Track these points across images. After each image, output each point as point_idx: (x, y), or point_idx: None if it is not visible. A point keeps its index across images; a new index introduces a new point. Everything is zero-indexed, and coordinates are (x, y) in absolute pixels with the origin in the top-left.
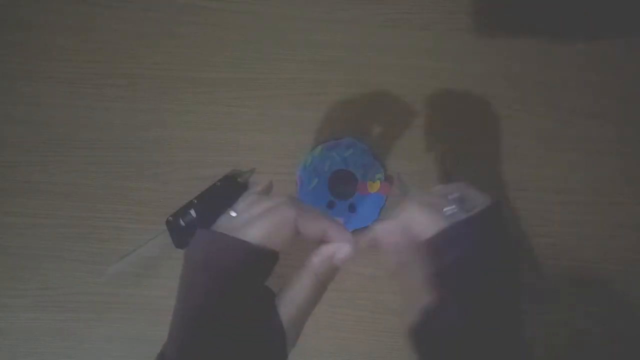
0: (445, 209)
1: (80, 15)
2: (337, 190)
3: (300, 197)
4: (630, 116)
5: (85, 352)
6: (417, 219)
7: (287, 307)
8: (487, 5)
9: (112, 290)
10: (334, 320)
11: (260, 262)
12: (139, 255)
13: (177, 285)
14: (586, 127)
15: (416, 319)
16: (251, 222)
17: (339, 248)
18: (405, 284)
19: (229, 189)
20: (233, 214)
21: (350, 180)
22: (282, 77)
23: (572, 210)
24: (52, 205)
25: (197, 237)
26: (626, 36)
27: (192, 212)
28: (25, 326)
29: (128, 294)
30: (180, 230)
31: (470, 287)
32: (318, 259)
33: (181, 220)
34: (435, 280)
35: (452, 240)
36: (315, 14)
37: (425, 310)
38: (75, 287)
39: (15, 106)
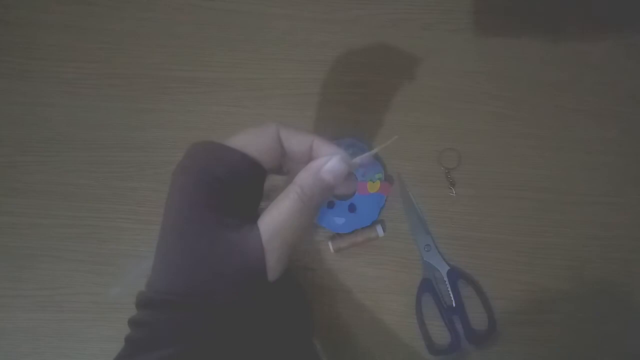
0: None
1: (80, 15)
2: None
3: None
4: (631, 116)
5: (85, 352)
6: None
7: (268, 223)
8: (487, 5)
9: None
10: (334, 321)
11: (240, 169)
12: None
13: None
14: (586, 127)
15: None
16: (233, 136)
17: (326, 160)
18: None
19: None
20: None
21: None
22: (282, 77)
23: (572, 210)
24: (52, 205)
25: (186, 150)
26: (626, 36)
27: None
28: (25, 326)
29: (128, 293)
30: None
31: None
32: (304, 173)
33: None
34: None
35: None
36: (315, 14)
37: None
38: (75, 287)
39: (15, 106)
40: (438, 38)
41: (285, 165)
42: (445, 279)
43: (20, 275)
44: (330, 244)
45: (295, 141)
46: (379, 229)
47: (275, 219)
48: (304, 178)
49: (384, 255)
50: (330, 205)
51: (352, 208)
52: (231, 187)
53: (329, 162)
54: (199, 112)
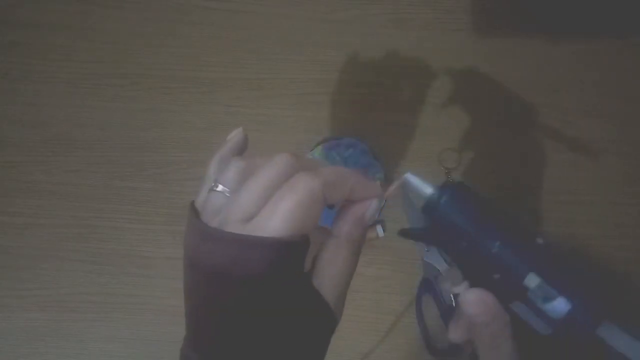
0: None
1: (80, 15)
2: None
3: None
4: (630, 116)
5: (85, 352)
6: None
7: (332, 289)
8: (487, 5)
9: (112, 290)
10: None
11: (285, 257)
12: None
13: (177, 285)
14: (586, 127)
15: None
16: (267, 207)
17: (367, 206)
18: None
19: None
20: (220, 188)
21: None
22: (282, 77)
23: (572, 210)
24: (52, 205)
25: (197, 238)
26: (626, 36)
27: None
28: (25, 326)
29: (128, 294)
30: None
31: None
32: (349, 225)
33: None
34: None
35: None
36: (315, 14)
37: None
38: (75, 287)
39: (15, 106)
40: (438, 38)
41: None
42: None
43: (20, 275)
44: None
45: (338, 195)
46: (379, 229)
47: (339, 285)
48: (352, 231)
49: (384, 255)
50: (330, 205)
51: None
52: (279, 278)
53: (370, 207)
54: (199, 112)
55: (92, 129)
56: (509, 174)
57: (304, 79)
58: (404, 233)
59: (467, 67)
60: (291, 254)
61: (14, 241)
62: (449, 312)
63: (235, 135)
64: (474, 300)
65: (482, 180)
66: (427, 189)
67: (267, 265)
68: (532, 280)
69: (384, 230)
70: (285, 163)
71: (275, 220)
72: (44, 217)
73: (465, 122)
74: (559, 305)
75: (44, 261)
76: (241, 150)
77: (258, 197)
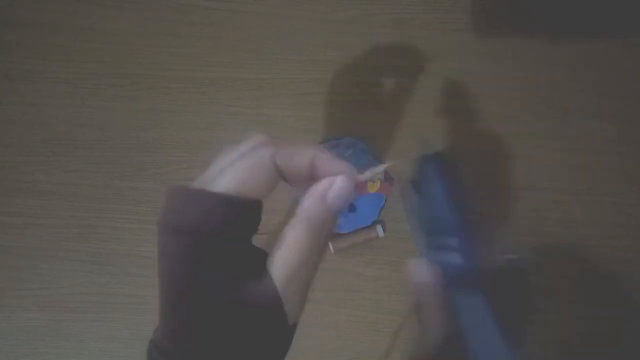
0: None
1: (80, 15)
2: None
3: None
4: (630, 116)
5: (85, 352)
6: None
7: (280, 267)
8: (487, 5)
9: (112, 290)
10: (334, 321)
11: (237, 214)
12: None
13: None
14: (586, 127)
15: (433, 354)
16: (221, 172)
17: (330, 183)
18: (426, 322)
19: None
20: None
21: None
22: (282, 77)
23: (572, 210)
24: (52, 205)
25: (165, 196)
26: (626, 36)
27: None
28: (25, 326)
29: (128, 294)
30: None
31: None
32: (308, 201)
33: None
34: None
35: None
36: (315, 14)
37: (442, 349)
38: (75, 287)
39: (15, 106)
40: (438, 38)
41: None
42: None
43: (20, 275)
44: (330, 244)
45: (294, 164)
46: (379, 229)
47: (288, 261)
48: (310, 207)
49: (384, 255)
50: (352, 207)
51: (352, 208)
52: (228, 235)
53: (335, 185)
54: (199, 112)
55: (92, 129)
56: (509, 173)
57: (304, 79)
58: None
59: (467, 67)
60: (235, 212)
61: (14, 241)
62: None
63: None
64: (423, 274)
65: (482, 180)
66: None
67: (209, 220)
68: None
69: (384, 230)
70: (256, 139)
71: (222, 180)
72: (44, 217)
73: (465, 122)
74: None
75: (44, 261)
76: None
77: (221, 166)
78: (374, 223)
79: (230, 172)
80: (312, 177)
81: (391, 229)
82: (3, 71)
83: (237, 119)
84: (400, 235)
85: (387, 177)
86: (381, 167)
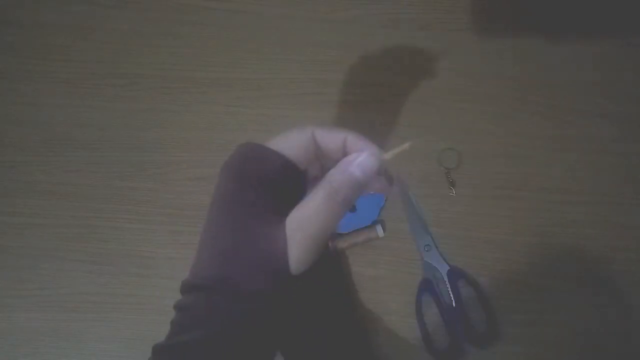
0: None
1: (80, 15)
2: None
3: None
4: (630, 116)
5: (84, 352)
6: None
7: (293, 218)
8: (487, 5)
9: (112, 290)
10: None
11: (276, 168)
12: None
13: (177, 285)
14: (586, 127)
15: None
16: (273, 138)
17: (357, 156)
18: None
19: None
20: None
21: None
22: (282, 77)
23: (572, 210)
24: (52, 205)
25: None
26: (626, 36)
27: None
28: (25, 326)
29: (128, 294)
30: None
31: None
32: (333, 170)
33: None
34: None
35: None
36: (315, 14)
37: None
38: (75, 287)
39: (15, 106)
40: (438, 38)
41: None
42: (445, 279)
43: (20, 275)
44: (330, 244)
45: (329, 139)
46: (379, 229)
47: (301, 213)
48: (333, 174)
49: (384, 255)
50: (352, 208)
51: (352, 208)
52: (267, 184)
53: (359, 157)
54: (199, 112)
55: (92, 129)
56: (508, 173)
57: (304, 79)
58: None
59: (467, 67)
60: (276, 164)
61: (14, 241)
62: (449, 312)
63: None
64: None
65: (482, 180)
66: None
67: (263, 171)
68: None
69: (384, 230)
70: (307, 125)
71: (275, 141)
72: (44, 217)
73: (465, 122)
74: None
75: (44, 261)
76: None
77: (282, 135)
78: (374, 223)
79: (279, 137)
80: (344, 155)
81: (391, 229)
82: (3, 71)
83: (237, 119)
84: (400, 235)
85: (387, 177)
86: (405, 146)
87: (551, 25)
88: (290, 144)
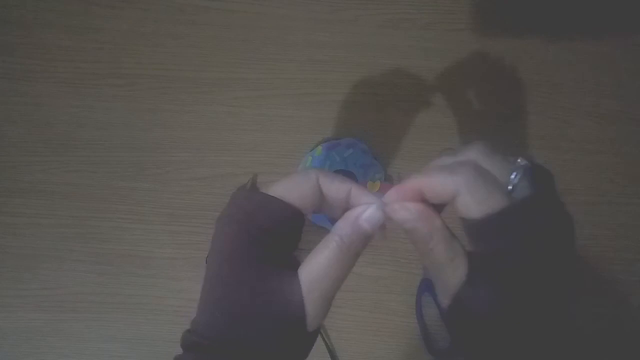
0: (509, 180)
1: (80, 15)
2: None
3: None
4: (630, 116)
5: (84, 352)
6: (469, 193)
7: (306, 273)
8: (487, 5)
9: (112, 290)
10: (335, 320)
11: (282, 218)
12: None
13: (177, 285)
14: (586, 127)
15: (448, 303)
16: (274, 183)
17: (364, 209)
18: (432, 260)
19: None
20: None
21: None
22: (282, 77)
23: (572, 210)
24: (52, 205)
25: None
26: (626, 36)
27: None
28: (25, 326)
29: (128, 294)
30: None
31: (514, 279)
32: (342, 222)
33: None
34: (474, 263)
35: (508, 227)
36: (315, 14)
37: (457, 296)
38: (75, 287)
39: (15, 106)
40: (438, 38)
41: (322, 209)
42: None
43: (21, 275)
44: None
45: (334, 189)
46: None
47: (315, 269)
48: (343, 227)
49: (384, 255)
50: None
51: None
52: (273, 236)
53: (367, 211)
54: (199, 112)
55: (92, 129)
56: None
57: (303, 79)
58: None
59: (467, 67)
60: (282, 213)
61: (14, 241)
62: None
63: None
64: (399, 208)
65: None
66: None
67: (270, 222)
68: None
69: None
70: (310, 171)
71: (274, 186)
72: (44, 217)
73: (465, 121)
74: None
75: (44, 261)
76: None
77: (285, 180)
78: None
79: (282, 183)
80: (347, 206)
81: (391, 229)
82: (3, 71)
83: (237, 119)
84: (400, 235)
85: (387, 177)
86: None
87: (551, 25)
88: (296, 192)
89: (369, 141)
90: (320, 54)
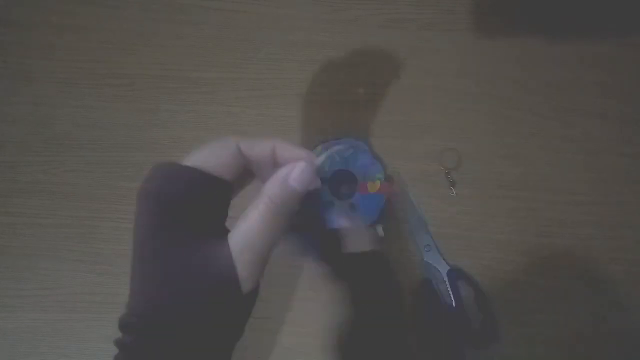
0: None
1: (80, 15)
2: (337, 191)
3: None
4: (631, 116)
5: (85, 352)
6: None
7: (236, 236)
8: (487, 5)
9: (111, 290)
10: (334, 320)
11: (199, 186)
12: None
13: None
14: (586, 127)
15: None
16: (191, 154)
17: (292, 167)
18: None
19: None
20: None
21: (350, 180)
22: (282, 77)
23: (572, 210)
24: (52, 205)
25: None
26: (626, 36)
27: None
28: (25, 326)
29: (128, 294)
30: None
31: None
32: (270, 183)
33: None
34: None
35: None
36: (315, 14)
37: None
38: (75, 287)
39: (15, 106)
40: (438, 38)
41: (256, 177)
42: (445, 279)
43: (21, 275)
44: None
45: (258, 150)
46: (379, 229)
47: (245, 232)
48: (271, 188)
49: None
50: (330, 205)
51: (352, 208)
52: (193, 205)
53: (295, 169)
54: (199, 112)
55: (92, 129)
56: (508, 173)
57: (304, 79)
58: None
59: (467, 67)
60: (194, 182)
61: (14, 241)
62: (449, 312)
63: None
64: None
65: (482, 180)
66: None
67: (186, 191)
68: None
69: (383, 231)
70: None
71: (190, 157)
72: (44, 217)
73: (465, 121)
74: None
75: (44, 261)
76: None
77: (202, 148)
78: (374, 223)
79: (197, 152)
80: (275, 164)
81: (391, 229)
82: (3, 71)
83: (237, 119)
84: (400, 235)
85: (387, 177)
86: (332, 150)
87: (551, 25)
88: (214, 159)
89: (369, 141)
90: (320, 54)
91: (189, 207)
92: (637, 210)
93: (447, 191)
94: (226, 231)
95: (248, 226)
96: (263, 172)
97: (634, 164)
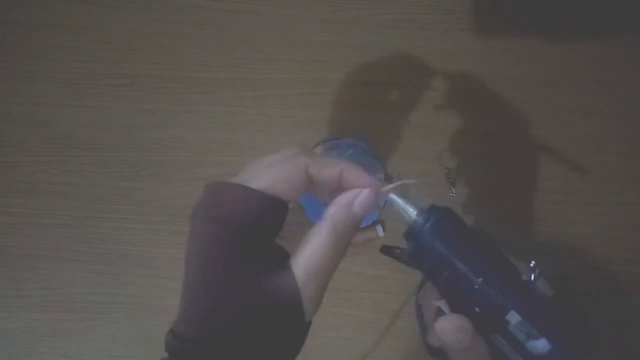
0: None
1: (80, 15)
2: None
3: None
4: (631, 116)
5: (85, 352)
6: None
7: (302, 266)
8: (487, 5)
9: (111, 290)
10: (335, 321)
11: (269, 211)
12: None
13: (177, 285)
14: (586, 127)
15: None
16: (258, 171)
17: (357, 193)
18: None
19: None
20: None
21: None
22: (282, 77)
23: (572, 210)
24: (52, 205)
25: (204, 190)
26: (626, 36)
27: None
28: (25, 326)
29: (128, 294)
30: None
31: None
32: (334, 208)
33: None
34: None
35: None
36: (315, 14)
37: None
38: (75, 287)
39: (15, 106)
40: (438, 38)
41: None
42: None
43: (20, 275)
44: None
45: (326, 173)
46: (379, 229)
47: (308, 259)
48: (335, 214)
49: (383, 255)
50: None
51: None
52: (255, 230)
53: (361, 196)
54: (199, 112)
55: (92, 129)
56: (508, 173)
57: (304, 79)
58: (387, 251)
59: (467, 67)
60: (267, 208)
61: (14, 241)
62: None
63: None
64: (450, 329)
65: (481, 181)
66: (411, 213)
67: (239, 213)
68: (513, 317)
69: (383, 230)
70: (291, 150)
71: (260, 179)
72: (44, 217)
73: (464, 122)
74: (540, 344)
75: (44, 261)
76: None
77: (258, 168)
78: (374, 223)
79: (267, 173)
80: (339, 188)
81: (391, 229)
82: (3, 71)
83: (237, 119)
84: (400, 235)
85: (387, 177)
86: (404, 182)
87: (551, 25)
88: (283, 183)
89: (369, 141)
90: (320, 54)
91: (254, 232)
92: (637, 210)
93: (447, 191)
94: (286, 255)
95: (311, 253)
96: (322, 192)
97: (633, 164)
